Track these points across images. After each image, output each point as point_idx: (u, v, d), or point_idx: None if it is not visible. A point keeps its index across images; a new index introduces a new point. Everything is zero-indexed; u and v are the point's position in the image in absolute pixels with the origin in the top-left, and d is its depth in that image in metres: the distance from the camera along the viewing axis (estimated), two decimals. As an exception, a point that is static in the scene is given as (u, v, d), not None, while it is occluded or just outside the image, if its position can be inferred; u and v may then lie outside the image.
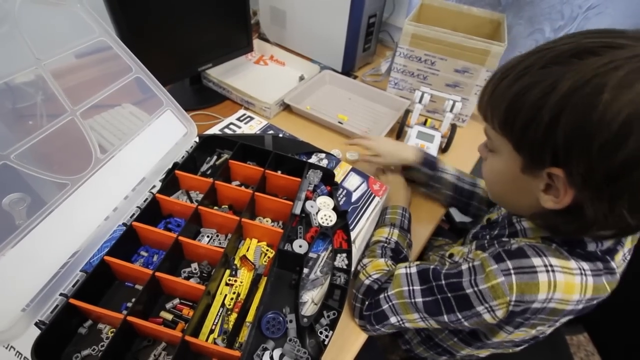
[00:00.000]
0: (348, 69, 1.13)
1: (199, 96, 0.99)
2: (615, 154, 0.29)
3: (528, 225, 0.44)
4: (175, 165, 0.56)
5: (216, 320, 0.43)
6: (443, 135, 0.85)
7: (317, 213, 0.57)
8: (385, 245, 0.58)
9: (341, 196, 0.63)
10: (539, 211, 0.39)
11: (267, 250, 0.51)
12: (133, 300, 0.40)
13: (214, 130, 0.73)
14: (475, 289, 0.39)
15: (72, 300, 0.38)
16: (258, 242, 0.52)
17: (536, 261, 0.37)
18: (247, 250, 0.50)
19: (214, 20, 0.91)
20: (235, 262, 0.49)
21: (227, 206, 0.56)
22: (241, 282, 0.47)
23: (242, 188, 0.54)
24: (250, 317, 0.44)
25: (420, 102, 0.85)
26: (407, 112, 0.90)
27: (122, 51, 0.53)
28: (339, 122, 0.90)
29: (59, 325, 0.37)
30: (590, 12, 0.91)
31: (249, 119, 0.76)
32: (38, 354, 0.34)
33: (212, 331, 0.42)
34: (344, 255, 0.53)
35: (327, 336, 0.43)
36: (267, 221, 0.56)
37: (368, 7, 1.01)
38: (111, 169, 0.48)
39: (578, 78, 0.29)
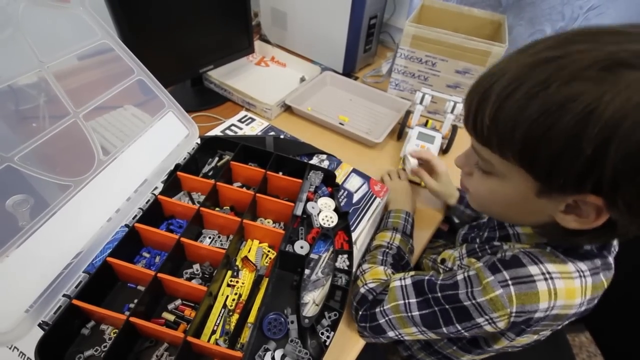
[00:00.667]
0: (349, 70, 1.14)
1: (200, 98, 0.99)
2: None
3: (523, 231, 0.43)
4: (177, 167, 0.56)
5: (218, 321, 0.43)
6: (444, 136, 0.85)
7: (318, 214, 0.57)
8: (387, 250, 0.56)
9: (342, 197, 0.64)
10: (545, 224, 0.37)
11: (269, 251, 0.51)
12: (135, 301, 0.40)
13: (216, 131, 0.73)
14: (474, 301, 0.37)
15: (75, 302, 0.38)
16: (259, 243, 0.52)
17: (533, 270, 0.36)
18: (249, 252, 0.50)
19: (215, 22, 0.91)
20: (237, 263, 0.49)
21: (228, 207, 0.56)
22: (243, 283, 0.47)
23: (244, 189, 0.55)
24: (251, 318, 0.44)
25: (421, 103, 0.85)
26: (408, 113, 0.90)
27: (124, 53, 0.53)
28: (340, 124, 0.90)
29: (62, 326, 0.38)
30: (591, 13, 0.91)
31: (250, 120, 0.76)
32: (41, 355, 0.34)
33: (214, 332, 0.42)
34: (345, 256, 0.53)
35: (328, 337, 0.44)
36: (268, 222, 0.56)
37: (369, 9, 1.02)
38: (113, 170, 0.48)
39: (623, 101, 0.25)
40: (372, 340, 0.51)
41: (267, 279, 0.47)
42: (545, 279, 0.35)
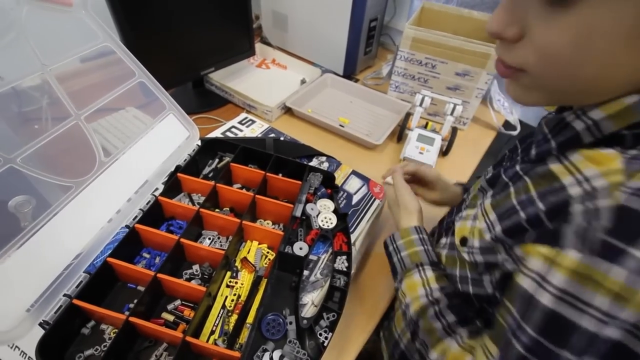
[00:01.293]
0: (349, 73, 1.14)
1: (201, 99, 1.00)
2: None
3: (605, 112, 0.26)
4: (178, 168, 0.56)
5: (217, 322, 0.43)
6: (444, 138, 0.85)
7: (317, 215, 0.57)
8: (437, 309, 0.38)
9: (342, 199, 0.64)
10: None
11: (268, 252, 0.51)
12: (135, 301, 0.40)
13: (216, 133, 0.74)
14: (624, 325, 0.22)
15: (75, 301, 0.38)
16: (259, 244, 0.52)
17: None
18: (248, 253, 0.51)
19: (216, 25, 0.92)
20: (236, 264, 0.49)
21: (228, 209, 0.56)
22: (242, 284, 0.47)
23: (244, 191, 0.55)
24: (250, 318, 0.44)
25: (421, 105, 0.86)
26: (408, 115, 0.91)
27: (126, 56, 0.54)
28: (340, 125, 0.90)
29: (62, 326, 0.38)
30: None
31: (250, 122, 0.77)
32: (42, 354, 0.35)
33: (212, 332, 0.42)
34: (344, 257, 0.53)
35: (326, 338, 0.44)
36: (267, 223, 0.56)
37: (369, 11, 1.02)
38: (114, 172, 0.49)
39: None
40: None
41: (266, 279, 0.48)
42: None
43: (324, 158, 0.71)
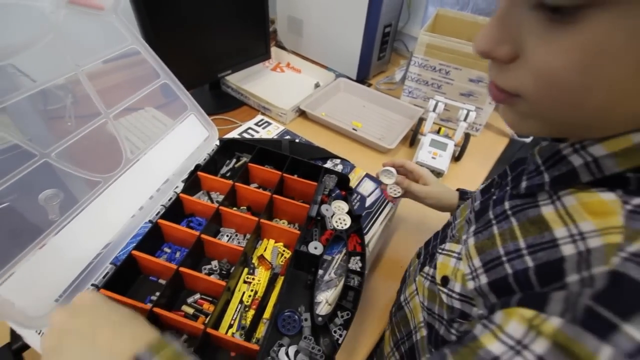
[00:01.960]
0: (362, 77, 1.16)
1: (217, 101, 1.02)
2: None
3: (607, 150, 0.23)
4: (197, 167, 0.58)
5: (235, 316, 0.44)
6: (456, 144, 0.86)
7: (332, 216, 0.58)
8: None
9: (355, 201, 0.65)
10: None
11: (284, 250, 0.53)
12: (158, 293, 0.42)
13: (233, 134, 0.75)
14: None
15: (102, 291, 0.40)
16: (275, 242, 0.54)
17: None
18: (265, 250, 0.52)
19: (234, 29, 0.94)
20: (253, 261, 0.51)
21: (245, 207, 0.58)
22: (259, 281, 0.48)
23: (261, 190, 0.56)
24: (267, 314, 0.45)
25: (434, 110, 0.87)
26: (421, 120, 0.92)
27: (151, 58, 0.56)
28: (353, 129, 0.92)
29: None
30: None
31: (266, 124, 0.78)
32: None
33: (230, 326, 0.44)
34: (358, 258, 0.54)
35: (340, 335, 0.45)
36: (283, 223, 0.58)
37: (384, 17, 1.04)
38: (139, 169, 0.51)
39: None
40: None
41: (282, 277, 0.49)
42: None
43: (337, 160, 0.72)
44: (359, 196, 0.66)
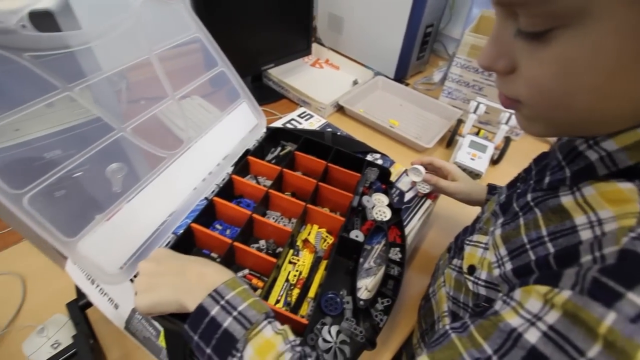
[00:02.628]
0: (400, 77, 1.16)
1: (258, 93, 1.06)
2: None
3: (618, 144, 0.25)
4: (247, 152, 0.61)
5: (281, 292, 0.47)
6: (496, 147, 0.85)
7: (372, 208, 0.60)
8: None
9: (394, 196, 0.66)
10: None
11: (327, 236, 0.55)
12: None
13: (277, 124, 0.78)
14: None
15: (165, 257, 0.43)
16: (318, 228, 0.56)
17: None
18: (308, 235, 0.54)
19: (279, 24, 0.98)
20: (298, 243, 0.53)
21: (289, 193, 0.60)
22: (303, 262, 0.51)
23: (307, 177, 0.59)
24: (311, 293, 0.47)
25: (475, 112, 0.86)
26: (460, 121, 0.91)
27: (212, 47, 0.59)
28: (390, 127, 0.93)
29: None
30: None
31: (308, 116, 0.81)
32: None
33: (277, 301, 0.46)
34: (398, 249, 0.56)
35: (381, 320, 0.46)
36: (325, 210, 0.60)
37: (427, 17, 1.04)
38: (197, 149, 0.54)
39: None
40: None
41: (326, 261, 0.51)
42: None
43: (377, 155, 0.73)
44: (398, 191, 0.67)
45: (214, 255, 0.50)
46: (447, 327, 0.29)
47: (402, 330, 0.57)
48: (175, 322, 0.37)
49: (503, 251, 0.32)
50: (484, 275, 0.34)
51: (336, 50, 1.24)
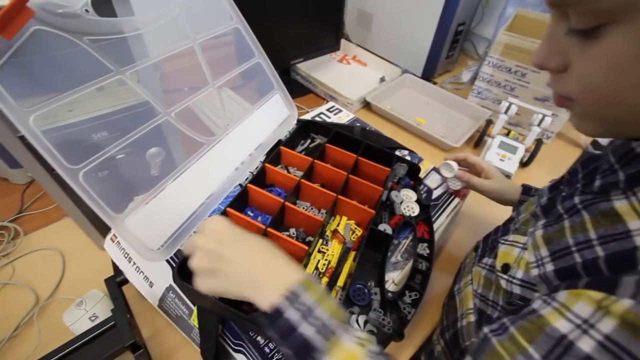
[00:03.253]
0: (428, 75, 1.15)
1: (286, 87, 1.07)
2: None
3: None
4: (279, 142, 0.62)
5: (311, 280, 0.48)
6: (527, 149, 0.84)
7: (401, 203, 0.60)
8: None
9: (422, 192, 0.66)
10: None
11: (356, 228, 0.55)
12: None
13: (306, 117, 0.79)
14: None
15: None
16: (347, 219, 0.56)
17: None
18: (338, 225, 0.55)
19: (310, 19, 0.98)
20: (327, 233, 0.54)
21: (319, 184, 0.61)
22: (332, 252, 0.51)
23: (337, 169, 0.59)
24: (340, 282, 0.48)
25: (506, 113, 0.85)
26: (489, 122, 0.90)
27: (250, 38, 0.61)
28: (417, 125, 0.92)
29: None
30: None
31: (337, 110, 0.81)
32: (179, 273, 0.41)
33: (307, 288, 0.47)
34: (426, 244, 0.56)
35: (409, 312, 0.47)
36: (355, 202, 0.60)
37: (459, 15, 1.03)
38: (233, 137, 0.56)
39: None
40: None
41: (354, 252, 0.52)
42: None
43: (406, 152, 0.73)
44: (426, 188, 0.67)
45: (246, 240, 0.52)
46: (486, 330, 0.29)
47: (424, 327, 0.57)
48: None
49: (544, 252, 0.31)
50: (519, 274, 0.34)
51: (364, 47, 1.24)
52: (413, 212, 0.59)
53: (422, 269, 0.52)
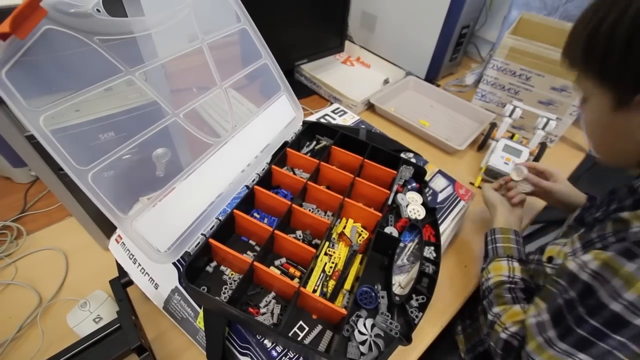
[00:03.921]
0: (431, 77, 1.15)
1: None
2: None
3: None
4: (285, 144, 0.62)
5: (318, 283, 0.47)
6: (531, 152, 0.84)
7: (407, 206, 0.60)
8: (512, 286, 0.50)
9: (428, 195, 0.66)
10: None
11: (362, 231, 0.55)
12: (249, 252, 0.46)
13: (311, 119, 0.79)
14: (623, 302, 0.33)
15: (210, 240, 0.45)
16: (354, 222, 0.56)
17: None
18: (344, 228, 0.55)
19: (315, 20, 0.98)
20: (333, 236, 0.54)
21: (325, 186, 0.61)
22: (339, 255, 0.51)
23: (343, 172, 0.59)
24: (347, 285, 0.48)
25: (510, 116, 0.85)
26: (493, 125, 0.90)
27: (257, 39, 0.60)
28: (421, 127, 0.92)
29: (197, 258, 0.44)
30: None
31: (342, 112, 0.81)
32: (187, 274, 0.41)
33: (314, 291, 0.47)
34: (432, 248, 0.55)
35: (416, 316, 0.46)
36: (361, 205, 0.60)
37: (463, 18, 1.03)
38: (239, 139, 0.55)
39: None
40: None
41: (361, 255, 0.51)
42: None
43: (411, 154, 0.73)
44: (431, 191, 0.67)
45: (252, 242, 0.51)
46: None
47: (430, 331, 0.57)
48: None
49: (578, 245, 0.44)
50: (559, 262, 0.47)
51: (367, 49, 1.24)
52: (419, 215, 0.59)
53: (429, 272, 0.52)
